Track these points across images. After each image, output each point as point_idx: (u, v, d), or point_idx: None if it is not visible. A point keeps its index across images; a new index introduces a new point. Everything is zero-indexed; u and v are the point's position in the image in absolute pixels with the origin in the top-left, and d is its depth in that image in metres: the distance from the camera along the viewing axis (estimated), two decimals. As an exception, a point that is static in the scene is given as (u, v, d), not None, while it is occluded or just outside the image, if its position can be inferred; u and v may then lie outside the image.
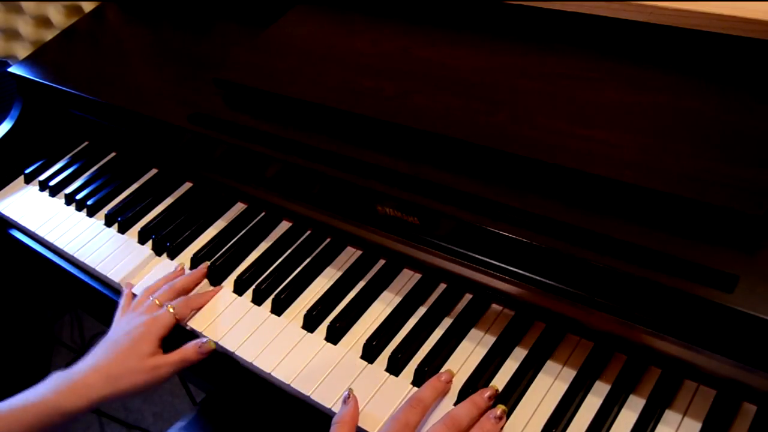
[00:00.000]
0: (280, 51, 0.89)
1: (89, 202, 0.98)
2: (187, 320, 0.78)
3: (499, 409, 0.61)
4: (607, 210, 0.61)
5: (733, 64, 0.66)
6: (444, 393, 0.65)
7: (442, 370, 0.67)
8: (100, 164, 1.07)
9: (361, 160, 0.74)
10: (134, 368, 0.71)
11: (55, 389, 0.69)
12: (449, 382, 0.65)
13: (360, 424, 0.64)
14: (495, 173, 0.67)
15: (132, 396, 0.72)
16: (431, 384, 0.64)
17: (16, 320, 1.65)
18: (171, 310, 0.76)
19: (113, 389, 0.70)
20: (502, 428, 0.61)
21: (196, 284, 0.82)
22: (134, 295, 0.82)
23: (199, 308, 0.79)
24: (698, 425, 0.58)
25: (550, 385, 0.64)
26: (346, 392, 0.65)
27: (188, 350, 0.74)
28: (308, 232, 0.86)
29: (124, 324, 0.76)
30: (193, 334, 0.77)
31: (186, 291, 0.81)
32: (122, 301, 0.82)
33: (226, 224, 0.90)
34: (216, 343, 0.75)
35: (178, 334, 0.77)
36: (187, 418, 0.87)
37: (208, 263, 0.83)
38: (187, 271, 0.84)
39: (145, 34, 1.12)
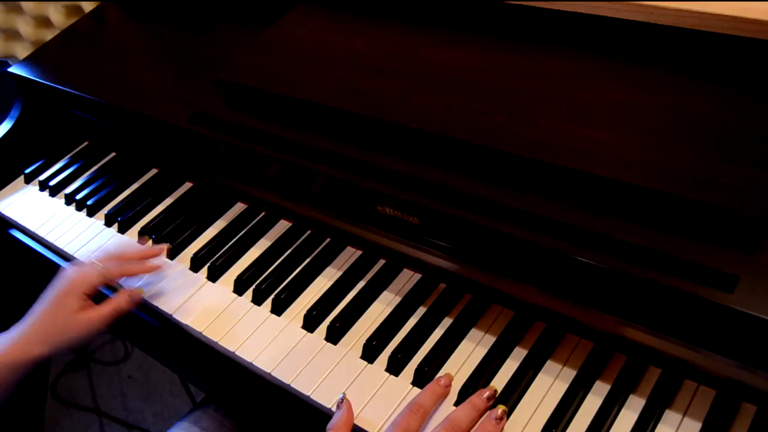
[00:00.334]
0: (280, 51, 0.89)
1: (89, 202, 0.98)
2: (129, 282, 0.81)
3: (500, 409, 0.61)
4: (608, 210, 0.61)
5: (733, 64, 0.66)
6: (443, 397, 0.65)
7: (442, 373, 0.67)
8: (100, 164, 1.07)
9: (361, 160, 0.74)
10: (65, 323, 0.74)
11: None
12: (448, 386, 0.65)
13: (360, 425, 0.64)
14: (495, 173, 0.67)
15: (75, 346, 0.73)
16: (430, 388, 0.64)
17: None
18: (99, 265, 0.77)
19: (51, 346, 0.73)
20: (502, 429, 0.61)
21: (141, 256, 0.83)
22: None
23: (134, 274, 0.81)
24: (698, 425, 0.58)
25: (550, 385, 0.64)
26: (340, 396, 0.65)
27: (120, 300, 0.77)
28: (308, 232, 0.86)
29: (57, 280, 0.78)
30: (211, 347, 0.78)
31: (126, 259, 0.82)
32: None
33: (226, 224, 0.90)
34: (210, 340, 0.75)
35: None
36: (187, 418, 0.87)
37: (170, 245, 0.86)
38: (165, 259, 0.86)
39: (145, 34, 1.12)
